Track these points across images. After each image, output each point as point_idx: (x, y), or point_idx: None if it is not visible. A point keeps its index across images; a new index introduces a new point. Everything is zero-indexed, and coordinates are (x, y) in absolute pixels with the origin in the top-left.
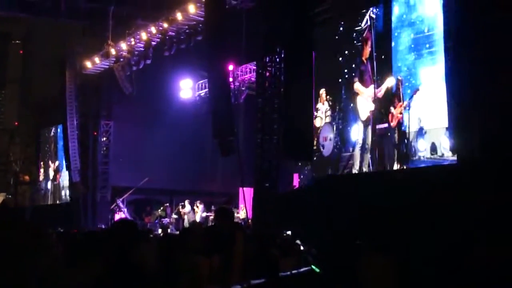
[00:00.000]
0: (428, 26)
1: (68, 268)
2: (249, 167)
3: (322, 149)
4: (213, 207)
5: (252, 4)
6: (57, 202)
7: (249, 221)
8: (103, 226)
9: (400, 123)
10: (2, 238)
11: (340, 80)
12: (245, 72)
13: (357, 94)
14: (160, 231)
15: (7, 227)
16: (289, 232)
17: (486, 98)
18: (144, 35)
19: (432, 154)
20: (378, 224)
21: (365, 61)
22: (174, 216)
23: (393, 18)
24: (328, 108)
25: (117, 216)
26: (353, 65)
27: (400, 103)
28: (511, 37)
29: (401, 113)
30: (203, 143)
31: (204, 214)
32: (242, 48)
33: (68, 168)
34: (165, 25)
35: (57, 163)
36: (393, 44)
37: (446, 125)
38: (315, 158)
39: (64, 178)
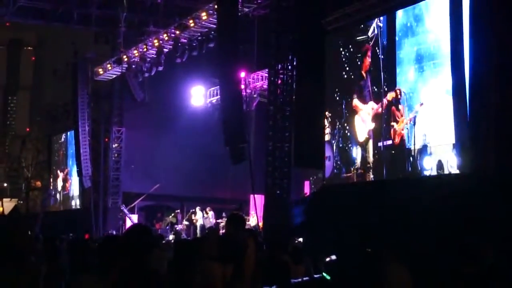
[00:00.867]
0: (434, 39)
1: (81, 274)
2: (260, 174)
3: None
4: (224, 214)
5: (264, 11)
6: (68, 208)
7: (260, 228)
8: (114, 233)
9: (403, 140)
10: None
11: (339, 95)
12: (257, 79)
13: (355, 112)
14: (171, 237)
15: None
16: (300, 239)
17: (501, 116)
18: (156, 42)
19: (438, 172)
20: (391, 232)
21: (364, 74)
22: (185, 222)
23: (397, 29)
24: (328, 125)
25: (128, 222)
26: (352, 80)
27: (403, 118)
28: None
29: (403, 129)
30: (214, 150)
31: (214, 220)
32: (254, 55)
33: (79, 174)
34: (177, 32)
35: (67, 169)
36: (396, 56)
37: (453, 141)
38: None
39: (74, 187)
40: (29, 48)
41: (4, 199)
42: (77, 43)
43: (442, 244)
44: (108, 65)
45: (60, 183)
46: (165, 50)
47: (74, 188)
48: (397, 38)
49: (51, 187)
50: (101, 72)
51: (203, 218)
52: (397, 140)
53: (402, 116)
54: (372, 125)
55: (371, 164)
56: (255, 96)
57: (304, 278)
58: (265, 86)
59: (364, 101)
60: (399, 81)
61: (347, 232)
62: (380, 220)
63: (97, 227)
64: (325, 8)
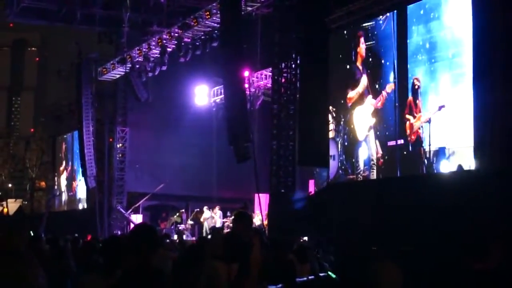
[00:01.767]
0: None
1: (86, 274)
2: (265, 173)
3: None
4: (228, 213)
5: (267, 10)
6: (73, 208)
7: (265, 226)
8: (119, 232)
9: (419, 139)
10: None
11: (344, 88)
12: (260, 78)
13: (353, 107)
14: (176, 237)
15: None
16: (305, 238)
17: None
18: (159, 42)
19: None
20: (392, 231)
21: (360, 66)
22: (190, 222)
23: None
24: (332, 120)
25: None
26: (351, 71)
27: (420, 115)
28: None
29: (420, 127)
30: (218, 149)
31: (220, 220)
32: (257, 54)
33: (84, 174)
34: (181, 31)
35: (69, 167)
36: (408, 45)
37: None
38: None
39: (81, 189)
40: (33, 48)
41: (9, 200)
42: (80, 43)
43: (448, 242)
44: (112, 65)
45: (64, 182)
46: (169, 49)
47: (81, 190)
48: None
49: (56, 187)
50: (105, 72)
51: (210, 217)
52: (412, 138)
53: (420, 112)
54: (372, 121)
55: (375, 162)
56: (259, 95)
57: (310, 277)
58: (269, 85)
59: (361, 94)
60: (411, 73)
61: (349, 231)
62: (383, 218)
63: (102, 227)
64: (328, 6)
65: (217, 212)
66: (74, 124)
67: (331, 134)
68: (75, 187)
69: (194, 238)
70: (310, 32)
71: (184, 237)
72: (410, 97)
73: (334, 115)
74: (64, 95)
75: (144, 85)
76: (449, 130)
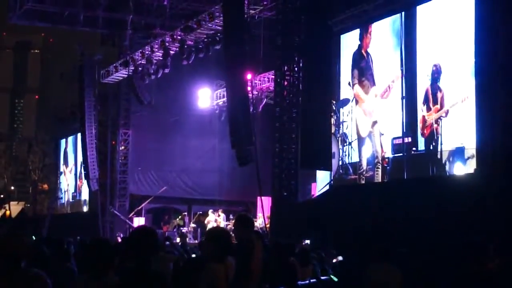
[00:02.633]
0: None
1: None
2: (267, 176)
3: None
4: (231, 216)
5: (270, 13)
6: (76, 210)
7: (267, 229)
8: (122, 235)
9: (432, 136)
10: None
11: (343, 80)
12: (263, 81)
13: (357, 102)
14: (178, 239)
15: None
16: (307, 241)
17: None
18: (162, 44)
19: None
20: (393, 233)
21: (364, 53)
22: (192, 225)
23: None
24: (332, 114)
25: (135, 224)
26: (353, 60)
27: (437, 107)
28: None
29: (437, 122)
30: (221, 152)
31: (224, 223)
32: (260, 57)
33: (86, 177)
34: (184, 34)
35: (73, 171)
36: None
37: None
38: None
39: (84, 191)
40: (36, 51)
41: (12, 202)
42: (83, 46)
43: (448, 244)
44: (115, 68)
45: (66, 184)
46: (172, 52)
47: (85, 192)
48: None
49: (59, 190)
50: (108, 75)
51: (214, 221)
52: (425, 133)
53: (437, 104)
54: (377, 115)
55: (380, 161)
56: (262, 98)
57: (311, 280)
58: (271, 88)
59: (365, 87)
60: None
61: (352, 233)
62: (384, 221)
63: (104, 229)
64: (331, 9)
65: (221, 215)
66: (76, 126)
67: (332, 129)
68: (80, 188)
69: (196, 241)
70: (313, 35)
71: (187, 240)
72: (428, 86)
73: (334, 108)
74: (67, 98)
75: (147, 88)
76: (469, 127)
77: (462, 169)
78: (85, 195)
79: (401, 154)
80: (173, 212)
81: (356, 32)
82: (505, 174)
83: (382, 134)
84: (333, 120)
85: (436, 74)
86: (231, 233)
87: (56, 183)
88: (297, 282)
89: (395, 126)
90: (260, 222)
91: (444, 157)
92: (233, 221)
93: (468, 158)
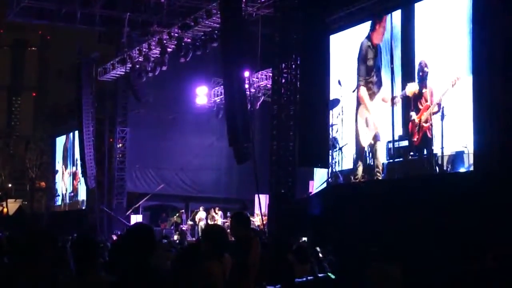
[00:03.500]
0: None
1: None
2: (265, 174)
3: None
4: (229, 214)
5: (268, 10)
6: (73, 208)
7: (264, 227)
8: (119, 233)
9: (427, 139)
10: None
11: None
12: (261, 78)
13: (359, 106)
14: (176, 237)
15: None
16: (305, 239)
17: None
18: (159, 42)
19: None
20: (389, 232)
21: (374, 47)
22: (190, 222)
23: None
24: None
25: (133, 222)
26: (359, 54)
27: (427, 104)
28: None
29: (428, 120)
30: (218, 149)
31: (221, 220)
32: (258, 54)
33: (84, 174)
34: (181, 31)
35: (73, 169)
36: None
37: None
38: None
39: (82, 189)
40: (33, 48)
41: (9, 200)
42: (81, 43)
43: (447, 243)
44: (112, 65)
45: (64, 182)
46: (169, 50)
47: (82, 192)
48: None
49: (56, 188)
50: (105, 72)
51: (207, 218)
52: (416, 138)
53: (426, 101)
54: (381, 126)
55: (380, 171)
56: (259, 95)
57: (309, 278)
58: (269, 85)
59: (372, 89)
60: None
61: (349, 232)
62: (383, 219)
63: (102, 227)
64: (329, 7)
65: (218, 212)
66: (74, 124)
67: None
68: (77, 188)
69: (194, 239)
70: (311, 32)
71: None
72: (415, 89)
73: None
74: (64, 95)
75: (144, 86)
76: (469, 126)
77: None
78: (82, 195)
79: (396, 160)
80: (170, 210)
81: (364, 25)
82: (503, 173)
83: (378, 140)
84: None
85: (421, 72)
86: (228, 230)
87: (53, 181)
88: (294, 279)
89: (391, 130)
90: (257, 219)
91: (445, 162)
92: (230, 219)
93: (472, 164)
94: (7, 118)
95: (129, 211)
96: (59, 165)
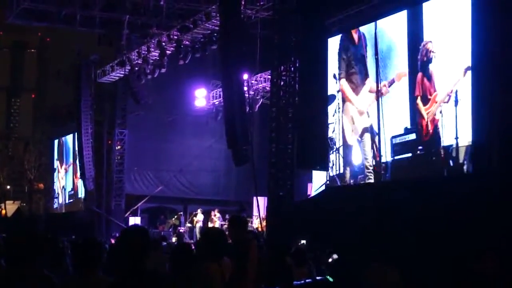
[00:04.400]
0: None
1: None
2: (264, 176)
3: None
4: (227, 216)
5: (267, 13)
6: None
7: (263, 230)
8: (117, 235)
9: (437, 132)
10: None
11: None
12: (260, 81)
13: (343, 100)
14: (174, 239)
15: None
16: (303, 241)
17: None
18: (158, 44)
19: None
20: (387, 235)
21: (355, 37)
22: (188, 224)
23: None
24: None
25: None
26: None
27: (436, 94)
28: None
29: (436, 113)
30: (217, 152)
31: (219, 223)
32: (257, 57)
33: (82, 176)
34: (180, 34)
35: (71, 169)
36: None
37: None
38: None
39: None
40: (32, 50)
41: (7, 202)
42: (80, 46)
43: (447, 244)
44: (111, 67)
45: (60, 180)
46: (168, 52)
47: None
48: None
49: (54, 189)
50: (104, 74)
51: (205, 220)
52: (428, 130)
53: (435, 91)
54: (368, 120)
55: (371, 171)
56: (258, 97)
57: (307, 280)
58: (268, 88)
59: (355, 81)
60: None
61: (348, 234)
62: (381, 221)
63: (100, 229)
64: (327, 9)
65: (217, 214)
66: (73, 126)
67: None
68: (77, 184)
69: (192, 241)
70: (309, 35)
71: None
72: (419, 74)
73: None
74: (63, 97)
75: (143, 88)
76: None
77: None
78: (83, 192)
79: (403, 156)
80: (169, 212)
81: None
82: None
83: (377, 134)
84: None
85: (425, 57)
86: (226, 233)
87: (52, 183)
88: (292, 282)
89: (395, 123)
90: (256, 222)
91: (461, 155)
92: (227, 222)
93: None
94: (6, 120)
95: (128, 213)
96: (57, 162)
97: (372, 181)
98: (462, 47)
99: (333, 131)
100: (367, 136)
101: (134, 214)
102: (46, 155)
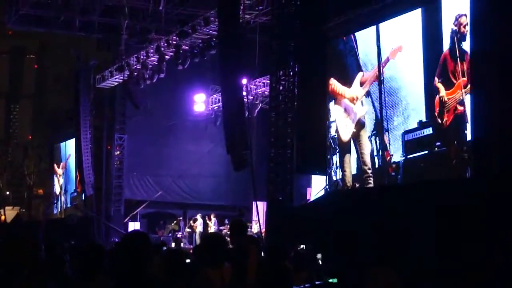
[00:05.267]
0: None
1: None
2: (263, 181)
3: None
4: (226, 221)
5: (266, 18)
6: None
7: (262, 235)
8: (117, 240)
9: (459, 122)
10: None
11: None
12: (258, 85)
13: (335, 100)
14: (173, 244)
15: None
16: (302, 246)
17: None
18: (157, 49)
19: None
20: (386, 238)
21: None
22: (187, 229)
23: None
24: None
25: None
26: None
27: (463, 80)
28: None
29: (462, 102)
30: (216, 157)
31: (214, 227)
32: (255, 61)
33: (81, 182)
34: (179, 39)
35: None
36: None
37: None
38: None
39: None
40: (31, 56)
41: (7, 207)
42: (79, 51)
43: (447, 247)
44: (110, 73)
45: (59, 185)
46: (167, 57)
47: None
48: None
49: (54, 194)
50: (103, 80)
51: (205, 225)
52: (446, 121)
53: (463, 75)
54: (362, 113)
55: (370, 175)
56: (257, 102)
57: (306, 285)
58: (267, 93)
59: (344, 77)
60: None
61: (348, 238)
62: (382, 225)
63: (100, 235)
64: (326, 14)
65: (212, 219)
66: (72, 131)
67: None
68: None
69: (191, 246)
70: (308, 40)
71: (182, 245)
72: (447, 51)
73: None
74: (62, 103)
75: (142, 93)
76: None
77: None
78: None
79: (418, 154)
80: (168, 217)
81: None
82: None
83: (386, 131)
84: None
85: (459, 33)
86: (226, 238)
87: (52, 187)
88: (292, 286)
89: (402, 115)
90: (255, 227)
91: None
92: (228, 227)
93: None
94: (5, 125)
95: (127, 219)
96: (56, 171)
97: (371, 183)
98: None
99: (336, 130)
100: (364, 134)
101: (134, 219)
102: (46, 160)
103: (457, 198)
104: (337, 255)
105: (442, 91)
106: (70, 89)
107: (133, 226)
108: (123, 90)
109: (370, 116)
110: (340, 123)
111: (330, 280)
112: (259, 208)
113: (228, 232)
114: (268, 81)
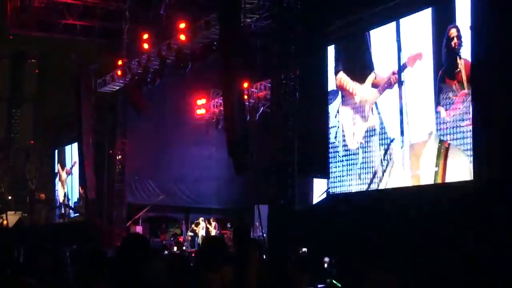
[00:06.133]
0: None
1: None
2: (264, 185)
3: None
4: (229, 225)
5: (267, 21)
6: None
7: (264, 238)
8: (119, 244)
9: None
10: None
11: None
12: (260, 89)
13: (343, 99)
14: (175, 248)
15: None
16: (304, 249)
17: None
18: (159, 53)
19: None
20: (386, 242)
21: None
22: (189, 233)
23: None
24: None
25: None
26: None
27: (464, 91)
28: None
29: (465, 114)
30: (218, 160)
31: (215, 231)
32: (257, 65)
33: (83, 185)
34: (180, 42)
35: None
36: None
37: None
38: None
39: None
40: (32, 60)
41: (9, 212)
42: (80, 55)
43: (447, 251)
44: (111, 77)
45: (62, 182)
46: (168, 61)
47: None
48: None
49: (57, 199)
50: (104, 84)
51: (205, 229)
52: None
53: (463, 88)
54: (376, 119)
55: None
56: (258, 106)
57: None
58: (268, 96)
59: (356, 74)
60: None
61: (349, 242)
62: (382, 229)
63: (102, 239)
64: (328, 17)
65: (213, 223)
66: (73, 136)
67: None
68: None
69: (193, 250)
70: (310, 43)
71: (184, 248)
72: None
73: None
74: (64, 107)
75: (143, 97)
76: None
77: None
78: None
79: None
80: (170, 221)
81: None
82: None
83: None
84: None
85: (452, 42)
86: (228, 242)
87: (53, 192)
88: None
89: (415, 121)
90: (257, 230)
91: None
92: (231, 230)
93: None
94: (6, 130)
95: (129, 223)
96: (57, 165)
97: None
98: None
99: (336, 135)
100: (375, 139)
101: (136, 223)
102: (47, 165)
103: (457, 203)
104: (339, 259)
105: (443, 113)
106: (71, 93)
107: (135, 230)
108: (125, 94)
109: (379, 125)
110: (348, 130)
111: (334, 282)
112: (261, 212)
113: (231, 236)
114: (270, 85)
